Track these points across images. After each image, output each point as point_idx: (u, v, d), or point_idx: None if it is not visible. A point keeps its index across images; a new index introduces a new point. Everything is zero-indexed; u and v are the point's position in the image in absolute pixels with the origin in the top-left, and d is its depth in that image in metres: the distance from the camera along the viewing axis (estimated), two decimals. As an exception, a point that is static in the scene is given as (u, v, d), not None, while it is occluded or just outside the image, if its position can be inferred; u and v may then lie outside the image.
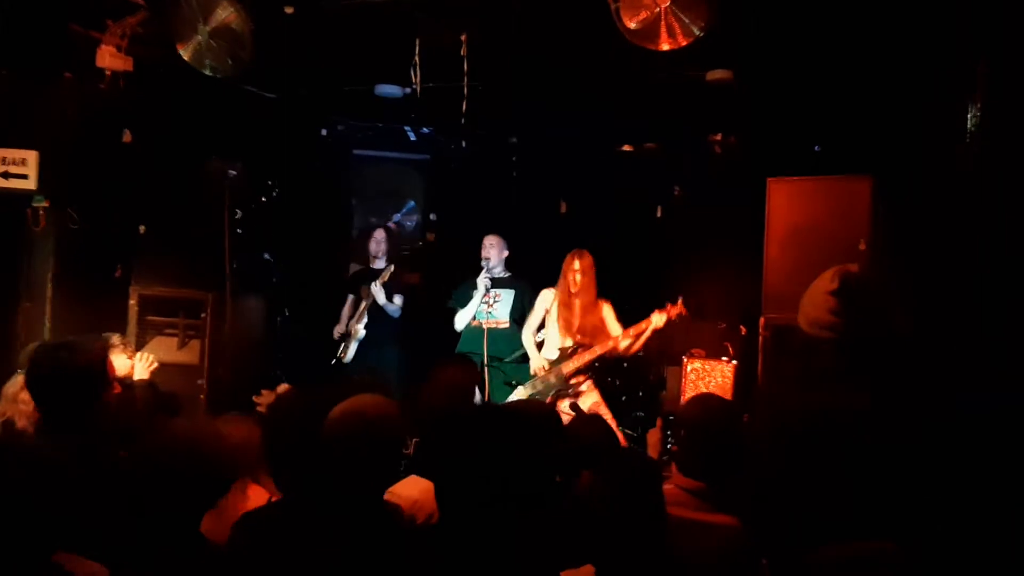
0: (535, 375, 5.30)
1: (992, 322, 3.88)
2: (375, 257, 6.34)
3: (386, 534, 2.01)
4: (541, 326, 5.50)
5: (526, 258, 5.95)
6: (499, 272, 5.79)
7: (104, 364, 2.66)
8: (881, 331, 2.71)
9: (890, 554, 1.88)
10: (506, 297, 5.77)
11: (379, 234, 6.42)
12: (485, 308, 5.67)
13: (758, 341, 4.86)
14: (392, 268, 6.07)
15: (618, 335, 5.20)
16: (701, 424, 2.42)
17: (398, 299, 6.13)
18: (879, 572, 1.83)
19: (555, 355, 5.32)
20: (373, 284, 6.06)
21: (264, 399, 3.78)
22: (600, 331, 5.29)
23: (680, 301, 5.16)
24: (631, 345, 5.20)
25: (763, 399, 3.62)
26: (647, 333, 5.13)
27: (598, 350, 5.19)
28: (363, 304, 6.16)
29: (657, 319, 5.12)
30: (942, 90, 4.38)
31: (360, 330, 6.11)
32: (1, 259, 4.83)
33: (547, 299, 5.49)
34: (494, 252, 5.75)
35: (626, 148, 6.73)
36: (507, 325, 5.72)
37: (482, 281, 5.66)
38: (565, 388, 5.22)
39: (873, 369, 2.62)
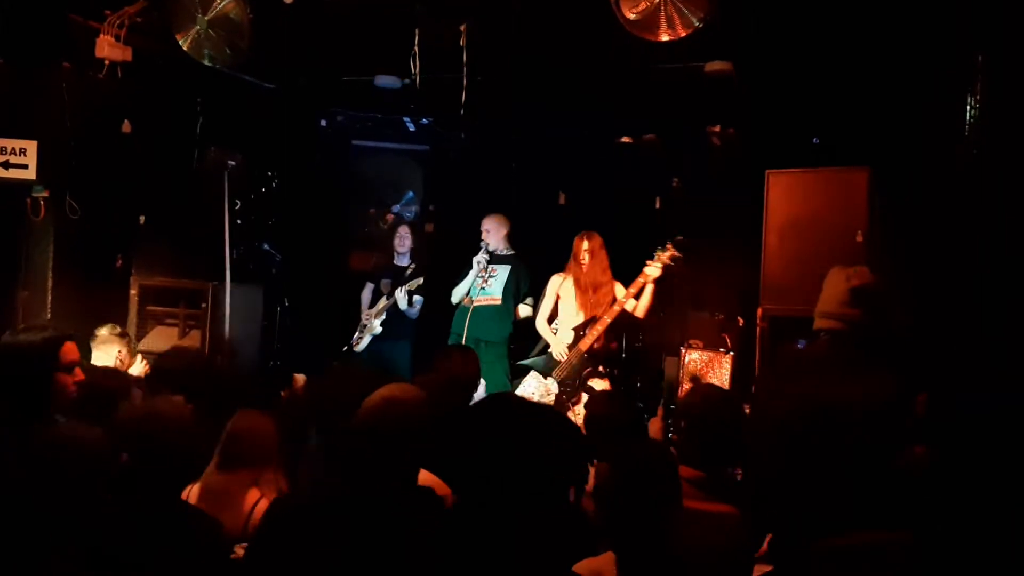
0: (560, 362, 5.29)
1: (989, 315, 3.90)
2: (399, 253, 6.34)
3: (426, 518, 2.02)
4: (554, 315, 5.48)
5: (526, 248, 5.96)
6: (502, 250, 5.80)
7: (54, 346, 2.69)
8: (885, 328, 2.73)
9: (898, 546, 1.89)
10: (501, 273, 5.76)
11: (403, 230, 6.42)
12: (480, 283, 5.68)
13: (756, 332, 4.89)
14: (420, 280, 6.07)
15: (620, 299, 5.20)
16: (701, 414, 2.45)
17: (418, 300, 6.14)
18: (884, 563, 1.85)
19: (570, 336, 5.31)
20: (398, 290, 6.07)
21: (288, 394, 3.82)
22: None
23: (669, 245, 5.14)
24: (637, 304, 5.20)
25: (762, 392, 3.64)
26: (648, 286, 5.13)
27: (607, 319, 5.19)
28: (383, 301, 6.19)
29: (651, 270, 5.12)
30: (941, 83, 4.39)
31: (376, 325, 6.15)
32: (1, 248, 4.83)
33: (556, 285, 5.48)
34: (491, 236, 5.77)
35: (625, 139, 6.73)
36: (499, 302, 5.71)
37: (476, 258, 5.67)
38: (587, 365, 5.21)
39: (877, 362, 2.64)
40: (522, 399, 2.01)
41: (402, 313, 6.12)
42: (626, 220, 6.60)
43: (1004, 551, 2.04)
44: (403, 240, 6.35)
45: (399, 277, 6.19)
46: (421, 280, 6.09)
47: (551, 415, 1.90)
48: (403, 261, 6.32)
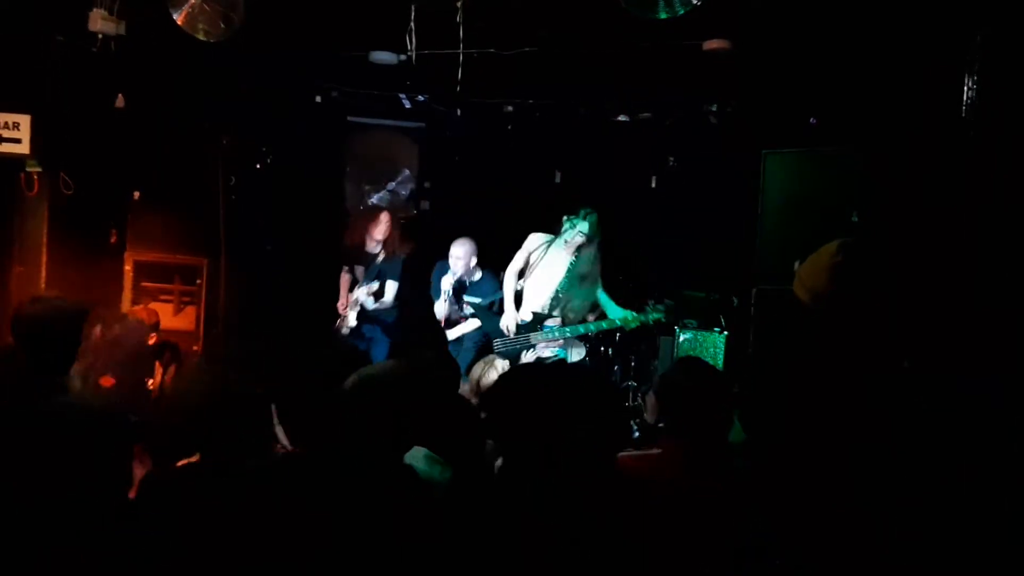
0: (505, 332, 5.12)
1: (985, 298, 3.91)
2: (374, 239, 5.93)
3: (411, 494, 2.04)
4: (523, 272, 5.30)
5: (520, 226, 5.94)
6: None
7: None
8: (877, 306, 2.75)
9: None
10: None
11: (383, 216, 6.00)
12: None
13: (750, 311, 4.90)
14: (376, 286, 5.65)
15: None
16: (682, 386, 2.44)
17: (391, 288, 5.73)
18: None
19: (529, 315, 5.19)
20: (359, 289, 5.70)
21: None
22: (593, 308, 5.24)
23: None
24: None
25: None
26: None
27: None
28: (352, 293, 5.84)
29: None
30: (939, 63, 4.37)
31: (351, 318, 5.77)
32: (-5, 223, 4.83)
33: (534, 243, 5.28)
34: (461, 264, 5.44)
35: (621, 118, 6.71)
36: None
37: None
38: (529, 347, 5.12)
39: (865, 343, 2.67)
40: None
41: (372, 313, 5.75)
42: (622, 198, 6.61)
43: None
44: (380, 227, 5.91)
45: (370, 265, 5.88)
46: (376, 286, 5.66)
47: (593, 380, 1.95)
48: (374, 248, 5.92)
